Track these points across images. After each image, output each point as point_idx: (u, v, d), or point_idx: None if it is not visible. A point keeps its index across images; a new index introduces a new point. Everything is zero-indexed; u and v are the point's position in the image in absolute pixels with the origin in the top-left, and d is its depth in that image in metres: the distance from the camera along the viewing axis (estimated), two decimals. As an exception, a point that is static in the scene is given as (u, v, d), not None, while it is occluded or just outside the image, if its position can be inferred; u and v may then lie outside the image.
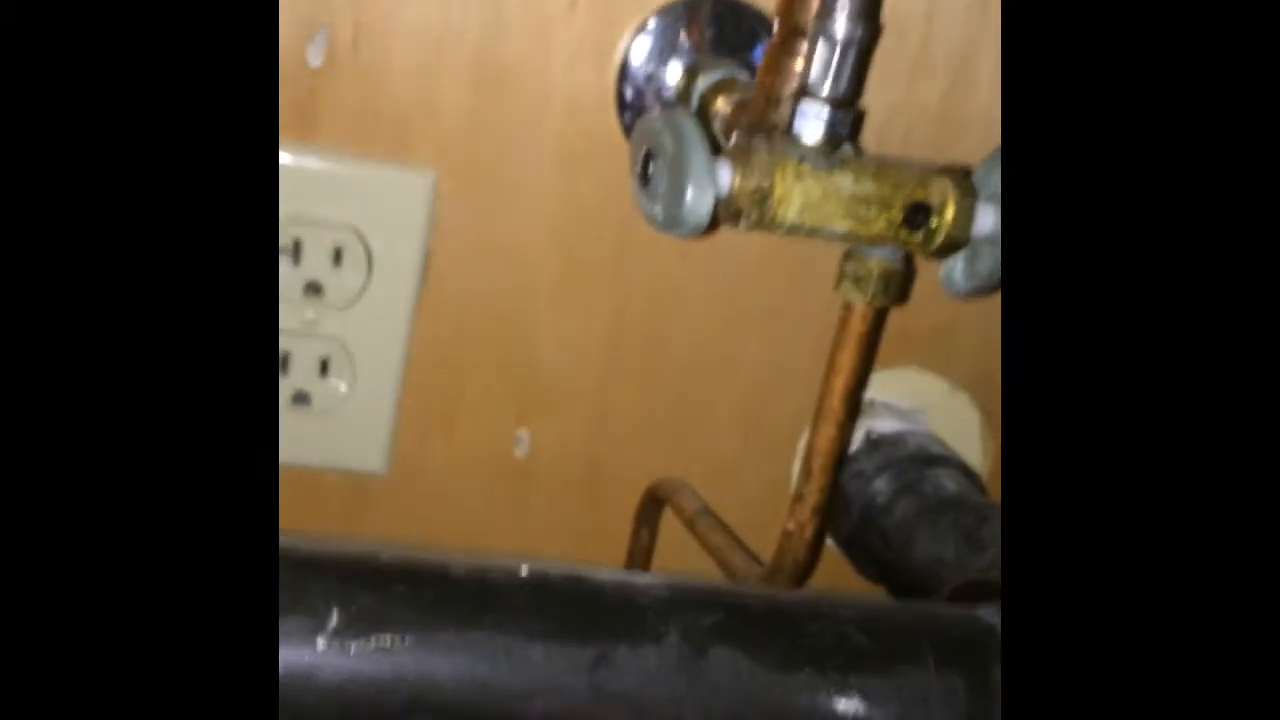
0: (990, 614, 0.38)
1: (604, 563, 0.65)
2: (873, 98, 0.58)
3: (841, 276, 0.46)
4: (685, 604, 0.33)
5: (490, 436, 0.62)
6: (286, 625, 0.29)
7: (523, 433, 0.62)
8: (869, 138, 0.58)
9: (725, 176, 0.42)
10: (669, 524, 0.63)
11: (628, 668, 0.31)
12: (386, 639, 0.29)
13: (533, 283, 0.59)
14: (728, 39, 0.55)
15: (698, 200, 0.40)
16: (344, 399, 0.57)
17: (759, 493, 0.65)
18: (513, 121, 0.57)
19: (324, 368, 0.57)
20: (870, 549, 0.61)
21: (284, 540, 0.31)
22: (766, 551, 0.55)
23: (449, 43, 0.55)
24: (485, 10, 0.54)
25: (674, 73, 0.55)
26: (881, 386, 0.66)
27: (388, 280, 0.56)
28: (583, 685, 0.31)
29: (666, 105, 0.53)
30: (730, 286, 0.62)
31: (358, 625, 0.29)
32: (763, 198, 0.42)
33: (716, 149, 0.43)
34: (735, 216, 0.42)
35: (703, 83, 0.53)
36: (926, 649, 0.34)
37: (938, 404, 0.67)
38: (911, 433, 0.65)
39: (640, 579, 0.34)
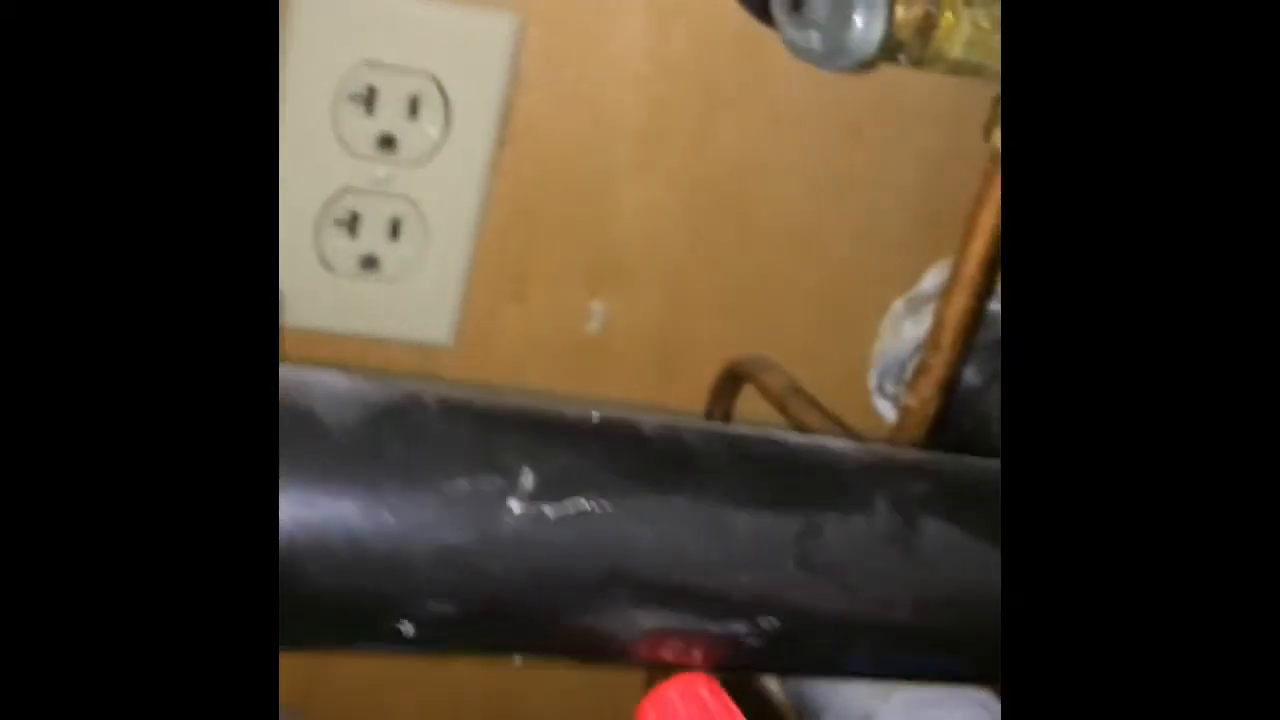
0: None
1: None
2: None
3: (994, 124, 0.42)
4: (889, 470, 0.30)
5: (563, 309, 0.58)
6: (475, 485, 0.25)
7: (597, 306, 0.58)
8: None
9: (884, 4, 0.37)
10: (744, 404, 0.60)
11: (837, 539, 0.28)
12: (585, 503, 0.26)
13: (615, 142, 0.55)
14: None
15: (869, 25, 0.36)
16: (414, 262, 0.53)
17: (837, 374, 0.62)
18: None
19: (395, 229, 0.52)
20: (964, 435, 0.58)
21: (454, 392, 0.27)
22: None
23: None
24: None
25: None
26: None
27: (465, 134, 0.51)
28: (790, 558, 0.28)
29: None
30: (820, 154, 0.58)
31: (554, 488, 0.26)
32: (928, 28, 0.38)
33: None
34: (893, 50, 0.38)
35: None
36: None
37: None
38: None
39: (842, 445, 0.30)
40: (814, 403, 0.54)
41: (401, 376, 0.57)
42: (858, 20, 0.36)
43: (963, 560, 0.29)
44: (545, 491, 0.25)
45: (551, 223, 0.56)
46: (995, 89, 0.42)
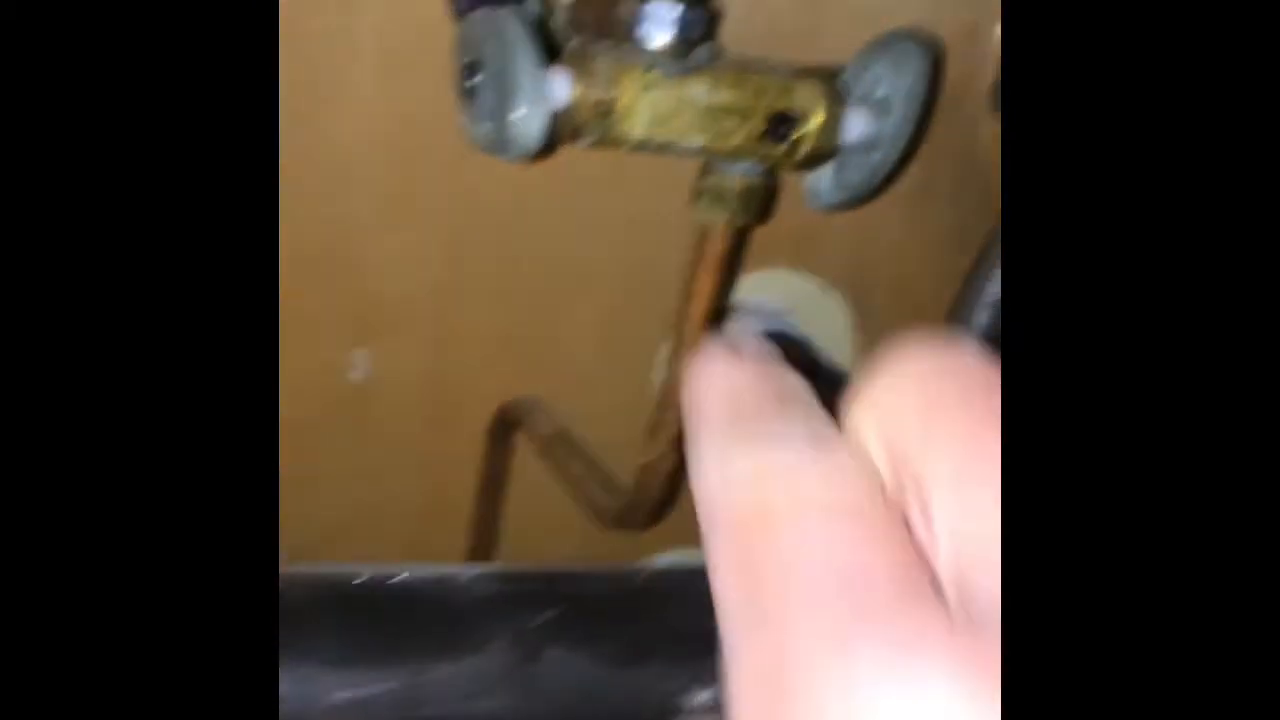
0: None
1: (455, 493, 0.61)
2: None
3: (698, 194, 0.41)
4: (514, 601, 0.29)
5: (323, 360, 0.56)
6: None
7: (360, 355, 0.57)
8: (727, 33, 0.53)
9: (563, 88, 0.37)
10: (527, 445, 0.59)
11: (448, 686, 0.27)
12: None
13: (360, 196, 0.53)
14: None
15: (528, 119, 0.35)
16: (152, 329, 0.51)
17: (622, 404, 0.61)
18: (322, 18, 0.50)
19: (126, 295, 0.50)
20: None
21: None
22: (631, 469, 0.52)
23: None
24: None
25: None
26: (749, 288, 0.62)
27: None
28: (395, 713, 0.27)
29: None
30: (583, 190, 0.57)
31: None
32: (606, 111, 0.37)
33: (557, 51, 0.37)
34: (575, 133, 0.37)
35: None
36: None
37: (808, 304, 0.64)
38: (779, 336, 0.62)
39: (464, 574, 0.30)
40: (577, 449, 0.54)
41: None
42: (521, 111, 0.35)
43: (590, 688, 0.29)
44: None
45: (302, 278, 0.54)
46: (689, 164, 0.41)
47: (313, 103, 0.51)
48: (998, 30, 0.57)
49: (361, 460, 0.59)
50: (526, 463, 0.59)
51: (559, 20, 0.43)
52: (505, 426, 0.58)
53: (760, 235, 0.58)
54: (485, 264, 0.57)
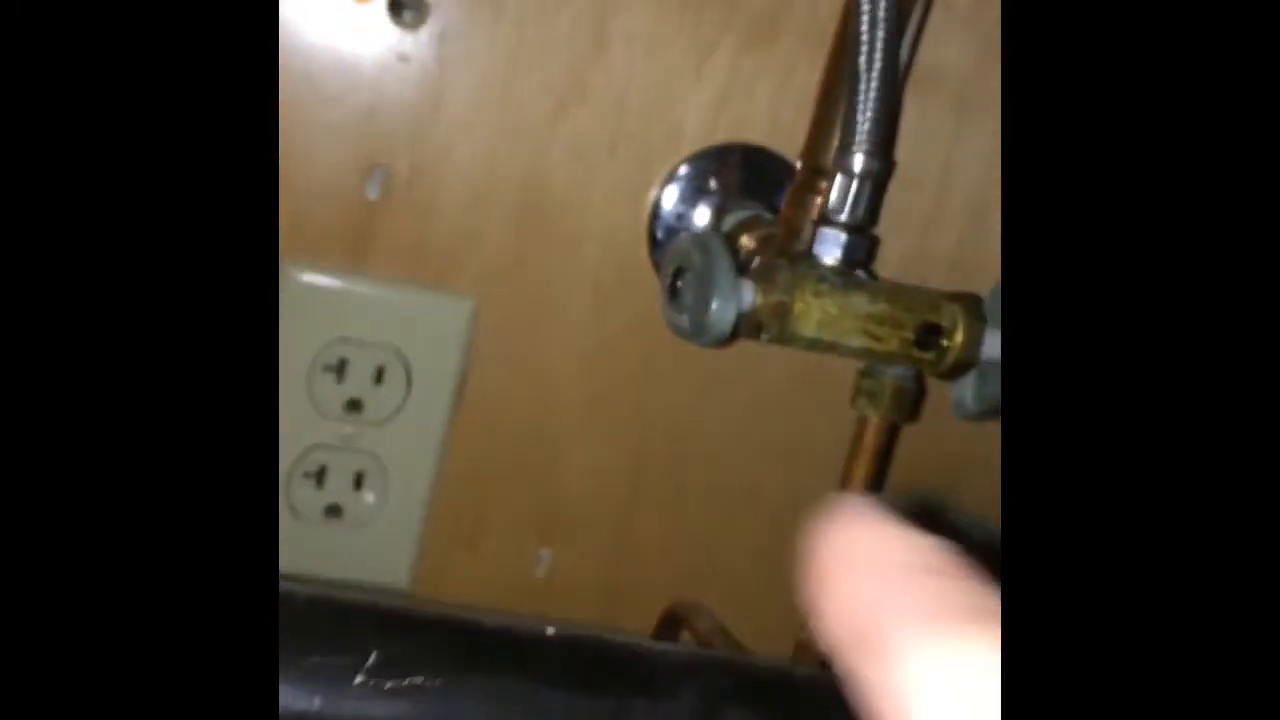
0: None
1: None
2: (890, 245, 0.61)
3: (857, 393, 0.49)
4: (701, 668, 0.35)
5: (513, 555, 0.64)
6: (328, 663, 0.31)
7: (544, 552, 0.64)
8: (900, 261, 0.62)
9: (748, 294, 0.45)
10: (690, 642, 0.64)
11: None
12: (419, 679, 0.31)
13: (561, 407, 0.62)
14: (754, 183, 0.59)
15: (722, 310, 0.43)
16: (374, 511, 0.60)
17: (775, 620, 0.66)
18: (551, 254, 0.61)
19: (358, 481, 0.59)
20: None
21: (323, 591, 0.33)
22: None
23: (496, 182, 0.59)
24: (531, 153, 0.59)
25: (702, 214, 0.59)
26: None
27: (424, 398, 0.59)
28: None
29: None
30: (750, 417, 0.65)
31: (393, 666, 0.31)
32: (783, 313, 0.45)
33: (740, 270, 0.46)
34: (757, 330, 0.45)
35: (730, 220, 0.57)
36: None
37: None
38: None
39: (661, 645, 0.36)
40: (735, 644, 0.59)
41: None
42: (714, 304, 0.43)
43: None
44: (386, 668, 0.31)
45: (502, 479, 0.62)
46: (851, 364, 0.49)
47: (532, 324, 0.61)
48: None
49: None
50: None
51: (740, 260, 0.53)
52: (672, 624, 0.63)
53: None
54: (660, 478, 0.64)
